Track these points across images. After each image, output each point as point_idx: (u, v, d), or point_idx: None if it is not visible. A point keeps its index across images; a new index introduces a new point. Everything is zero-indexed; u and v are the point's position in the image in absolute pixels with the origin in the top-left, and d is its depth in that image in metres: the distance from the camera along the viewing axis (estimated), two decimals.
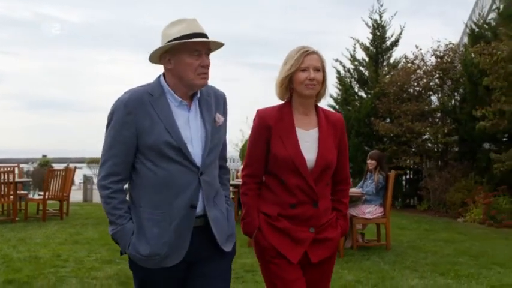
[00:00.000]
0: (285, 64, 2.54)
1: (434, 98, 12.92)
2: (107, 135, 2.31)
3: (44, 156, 25.45)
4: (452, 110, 12.42)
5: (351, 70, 14.16)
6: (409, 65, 12.70)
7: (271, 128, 2.53)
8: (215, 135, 2.36)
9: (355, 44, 14.07)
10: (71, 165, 11.55)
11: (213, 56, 2.34)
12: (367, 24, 13.99)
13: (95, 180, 18.96)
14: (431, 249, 7.10)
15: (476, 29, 11.97)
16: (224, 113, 2.43)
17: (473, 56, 10.44)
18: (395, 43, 13.88)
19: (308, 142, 2.53)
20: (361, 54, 14.23)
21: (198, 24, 2.30)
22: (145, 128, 2.24)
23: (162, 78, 2.36)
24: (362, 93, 14.19)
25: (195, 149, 2.29)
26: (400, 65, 13.54)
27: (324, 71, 2.53)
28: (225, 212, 2.41)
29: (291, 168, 2.49)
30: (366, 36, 14.11)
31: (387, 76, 13.17)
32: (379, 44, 13.87)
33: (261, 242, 2.56)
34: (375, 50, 13.92)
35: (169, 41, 2.25)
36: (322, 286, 2.68)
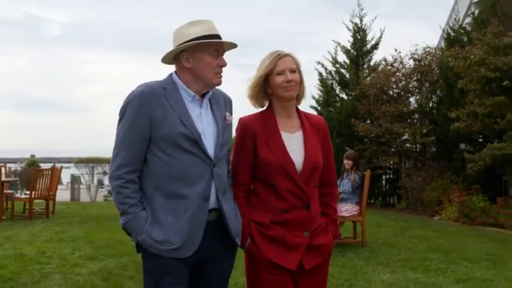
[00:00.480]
0: (259, 67, 2.55)
1: (412, 99, 13.19)
2: (120, 127, 2.32)
3: (32, 156, 25.35)
4: (429, 112, 12.70)
5: (333, 72, 14.39)
6: (389, 67, 12.96)
7: (256, 134, 2.51)
8: (225, 132, 2.41)
9: (336, 47, 14.32)
10: (58, 165, 11.60)
11: None
12: (348, 27, 14.25)
13: (83, 180, 18.94)
14: (405, 246, 7.31)
15: (452, 34, 12.24)
16: (231, 115, 2.49)
17: (449, 59, 10.68)
18: (375, 46, 14.14)
19: (294, 144, 2.52)
20: (342, 57, 14.48)
21: (215, 25, 2.38)
22: (159, 118, 2.25)
23: (174, 75, 2.40)
24: (343, 95, 14.42)
25: (208, 142, 2.32)
26: (380, 67, 13.79)
27: (299, 72, 2.53)
28: (234, 209, 2.44)
29: (280, 172, 2.46)
30: (347, 39, 14.36)
31: (368, 78, 13.42)
32: (360, 47, 14.11)
33: (255, 254, 2.49)
34: (355, 53, 14.17)
35: (188, 40, 2.30)
36: None
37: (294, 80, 2.48)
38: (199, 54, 2.32)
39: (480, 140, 11.78)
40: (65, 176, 24.03)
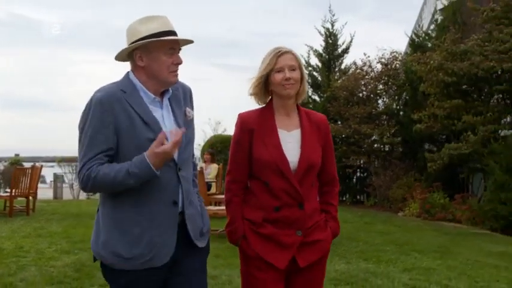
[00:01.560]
0: (260, 66, 2.48)
1: (381, 102, 13.63)
2: (83, 136, 2.15)
3: (17, 155, 25.22)
4: (396, 113, 13.15)
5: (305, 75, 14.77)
6: (358, 71, 13.38)
7: (253, 131, 2.44)
8: (187, 130, 2.26)
9: (309, 51, 14.71)
10: (38, 164, 11.79)
11: (186, 56, 2.31)
12: (320, 32, 14.64)
13: (66, 179, 18.94)
14: (364, 239, 7.69)
15: (416, 39, 12.70)
16: (191, 107, 2.37)
17: (412, 64, 11.11)
18: (346, 50, 14.56)
19: (290, 143, 2.45)
20: (315, 60, 14.87)
21: (169, 21, 2.23)
22: (123, 125, 2.12)
23: (131, 74, 2.25)
24: (316, 97, 14.82)
25: None
26: (350, 71, 14.21)
27: (300, 69, 2.45)
28: (199, 209, 2.34)
29: (274, 170, 2.40)
30: (319, 43, 14.76)
31: (339, 81, 13.83)
32: (331, 51, 14.52)
33: (246, 251, 2.45)
34: (327, 57, 14.57)
35: (141, 38, 2.16)
36: None
37: (293, 78, 2.40)
38: (153, 53, 2.18)
39: (442, 140, 12.26)
40: (49, 175, 24.08)
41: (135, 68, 2.24)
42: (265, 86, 2.47)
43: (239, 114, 2.50)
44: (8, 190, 11.41)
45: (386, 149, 13.44)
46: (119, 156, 2.14)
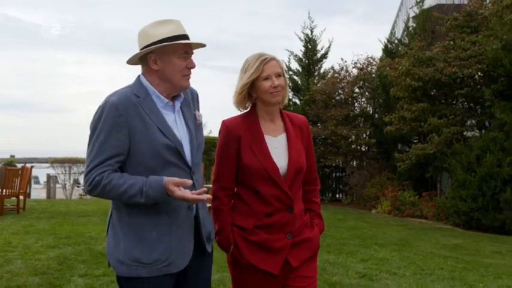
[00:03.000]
0: (244, 72, 2.42)
1: (357, 104, 14.07)
2: (94, 140, 2.09)
3: (12, 156, 25.38)
4: (371, 116, 13.59)
5: (287, 79, 15.20)
6: (336, 75, 13.81)
7: (240, 138, 2.39)
8: (198, 133, 2.26)
9: (290, 56, 15.13)
10: (28, 165, 12.10)
11: (194, 58, 2.26)
12: (300, 38, 15.06)
13: (59, 179, 19.14)
14: (332, 234, 8.09)
15: (389, 45, 13.15)
16: (198, 110, 2.35)
17: (385, 68, 11.55)
18: (324, 55, 14.99)
19: (277, 148, 2.42)
20: (295, 65, 15.30)
21: (182, 25, 2.21)
22: (138, 130, 2.08)
23: (143, 78, 2.20)
24: (296, 100, 15.23)
25: (186, 150, 2.18)
26: (329, 75, 14.64)
27: (284, 75, 2.44)
28: (207, 215, 2.32)
29: (265, 177, 2.37)
30: (299, 48, 15.19)
31: (318, 85, 14.25)
32: (311, 56, 14.94)
33: (238, 259, 2.41)
34: (307, 61, 14.99)
35: (156, 42, 2.12)
36: (311, 282, 2.51)
37: (280, 85, 2.39)
38: (168, 56, 2.14)
39: (415, 141, 12.71)
40: (43, 176, 24.28)
41: (148, 71, 2.19)
42: (247, 94, 2.43)
43: (223, 121, 2.46)
44: None
45: (363, 150, 13.88)
46: (131, 161, 2.10)
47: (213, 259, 2.39)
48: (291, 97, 15.21)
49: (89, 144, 2.11)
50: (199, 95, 2.40)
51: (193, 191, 2.06)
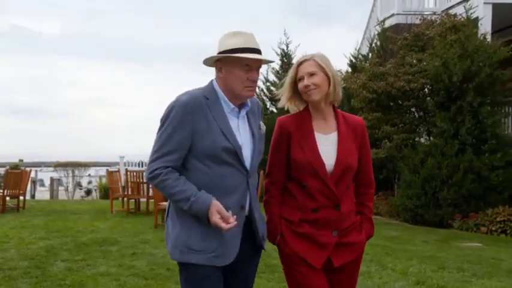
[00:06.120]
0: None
1: None
2: (161, 133, 2.17)
3: (21, 160, 25.95)
4: None
5: (264, 89, 16.01)
6: None
7: (291, 134, 2.40)
8: (259, 141, 2.30)
9: (267, 69, 15.91)
10: (27, 168, 12.83)
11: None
12: (276, 52, 15.85)
13: (63, 182, 19.81)
14: None
15: (354, 60, 13.94)
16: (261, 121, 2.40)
17: (348, 81, 12.32)
18: None
19: (327, 146, 2.39)
20: (272, 77, 16.10)
21: (254, 39, 2.21)
22: (201, 129, 2.14)
23: (214, 83, 2.27)
24: (273, 109, 15.99)
25: (245, 154, 2.22)
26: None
27: (324, 72, 2.36)
28: (261, 215, 2.35)
29: (311, 172, 2.35)
30: (276, 62, 15.98)
31: None
32: (286, 69, 15.70)
33: (283, 249, 2.40)
34: (283, 74, 15.75)
35: (221, 52, 2.19)
36: None
37: (313, 83, 2.34)
38: (230, 67, 2.19)
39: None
40: (47, 179, 24.92)
41: (217, 77, 2.26)
42: (295, 94, 2.45)
43: (278, 119, 2.48)
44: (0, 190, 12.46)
45: None
46: (191, 157, 2.17)
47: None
48: (268, 106, 15.97)
49: (156, 135, 2.19)
50: None
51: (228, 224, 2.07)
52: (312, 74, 2.35)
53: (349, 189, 2.43)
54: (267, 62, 2.27)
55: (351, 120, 2.48)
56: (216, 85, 2.25)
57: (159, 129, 2.18)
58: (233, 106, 2.23)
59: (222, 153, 2.14)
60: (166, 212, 2.32)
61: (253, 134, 2.27)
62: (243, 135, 2.24)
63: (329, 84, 2.37)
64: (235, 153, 2.17)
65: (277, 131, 2.45)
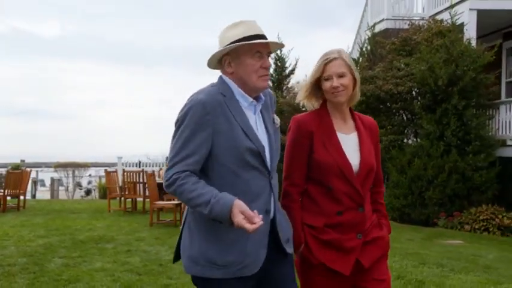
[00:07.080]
0: (310, 73, 2.34)
1: None
2: (178, 137, 1.98)
3: (22, 161, 26.14)
4: None
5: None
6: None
7: (313, 134, 2.25)
8: (276, 137, 2.14)
9: None
10: (27, 169, 12.98)
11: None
12: (270, 56, 16.01)
13: (63, 182, 19.99)
14: None
15: None
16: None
17: None
18: (292, 72, 15.99)
19: (350, 146, 2.28)
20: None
21: (257, 25, 2.07)
22: (222, 130, 1.96)
23: (226, 78, 2.07)
24: None
25: (266, 153, 2.06)
26: (296, 89, 15.64)
27: (351, 73, 2.26)
28: (284, 215, 2.17)
29: (337, 174, 2.21)
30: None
31: (287, 97, 15.21)
32: (280, 72, 15.92)
33: (309, 259, 2.24)
34: (277, 77, 15.95)
35: (229, 44, 2.01)
36: (386, 285, 2.34)
37: (342, 85, 2.23)
38: (240, 58, 2.02)
39: None
40: (48, 179, 25.09)
41: (226, 74, 2.09)
42: (319, 90, 2.31)
43: (294, 118, 2.35)
44: (1, 190, 12.61)
45: None
46: (212, 160, 1.99)
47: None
48: None
49: (173, 138, 2.01)
50: None
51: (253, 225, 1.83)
52: (341, 75, 2.24)
53: (369, 190, 2.35)
54: (279, 46, 2.16)
55: (366, 120, 2.42)
56: (228, 80, 2.07)
57: (175, 133, 2.00)
58: (251, 99, 2.06)
59: (246, 155, 1.98)
60: (183, 221, 2.13)
61: (268, 131, 2.11)
62: (260, 132, 2.07)
63: (354, 86, 2.30)
64: (259, 154, 2.01)
65: (296, 130, 2.31)
